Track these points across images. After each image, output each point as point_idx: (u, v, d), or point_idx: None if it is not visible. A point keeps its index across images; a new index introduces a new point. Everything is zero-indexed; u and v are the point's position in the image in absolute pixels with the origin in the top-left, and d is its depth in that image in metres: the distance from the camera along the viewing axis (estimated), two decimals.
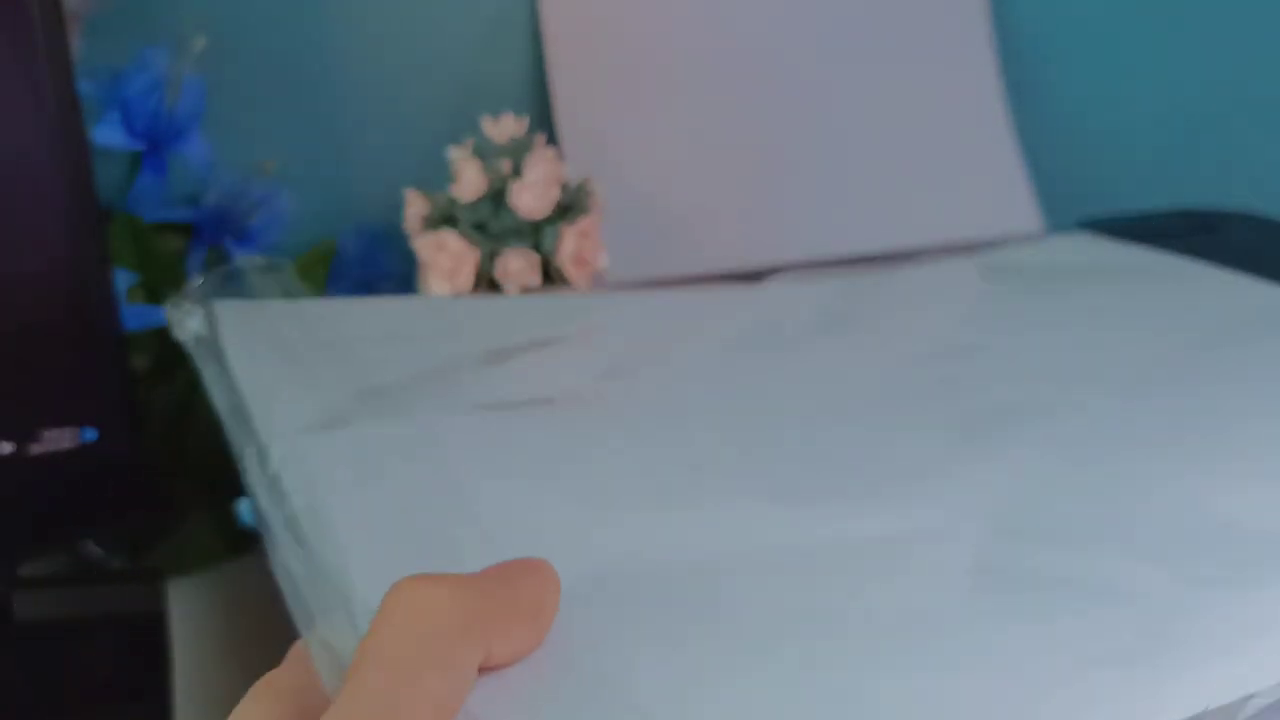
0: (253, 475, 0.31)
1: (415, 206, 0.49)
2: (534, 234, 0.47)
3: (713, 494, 0.31)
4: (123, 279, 0.48)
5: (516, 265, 0.47)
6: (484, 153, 0.48)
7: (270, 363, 0.36)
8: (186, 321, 0.38)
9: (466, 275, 0.47)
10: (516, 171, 0.48)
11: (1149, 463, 0.33)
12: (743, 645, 0.25)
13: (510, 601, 0.23)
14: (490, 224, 0.47)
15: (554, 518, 0.29)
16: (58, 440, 0.41)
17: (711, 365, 0.39)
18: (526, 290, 0.47)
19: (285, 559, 0.27)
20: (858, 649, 0.25)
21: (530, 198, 0.47)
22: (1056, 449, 0.33)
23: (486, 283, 0.48)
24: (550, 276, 0.48)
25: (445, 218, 0.48)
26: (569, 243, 0.47)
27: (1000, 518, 0.30)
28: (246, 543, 0.48)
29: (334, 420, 0.32)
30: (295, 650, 0.25)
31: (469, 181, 0.48)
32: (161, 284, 0.52)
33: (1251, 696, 0.24)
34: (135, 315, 0.49)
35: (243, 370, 0.35)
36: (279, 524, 0.28)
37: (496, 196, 0.48)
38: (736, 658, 0.24)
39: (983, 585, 0.27)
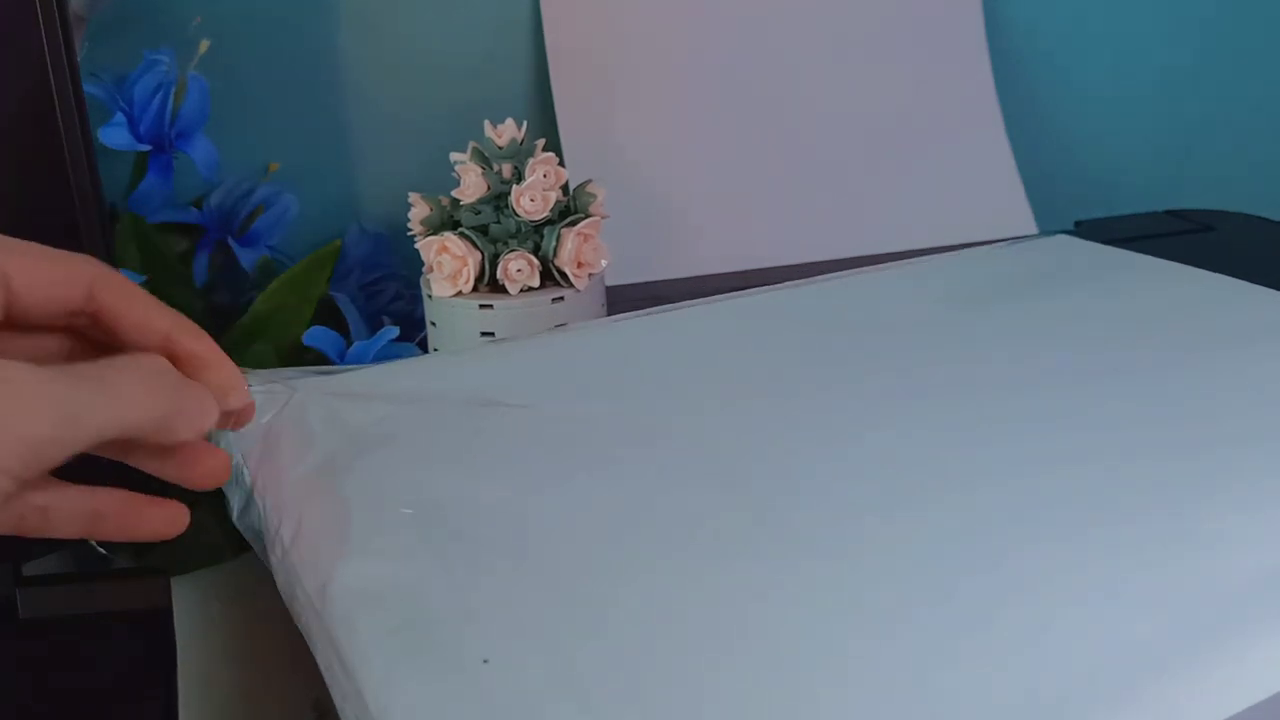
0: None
1: (418, 209, 0.49)
2: (535, 236, 0.48)
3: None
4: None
5: (518, 267, 0.47)
6: (486, 157, 0.49)
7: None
8: None
9: (468, 277, 0.47)
10: (518, 175, 0.48)
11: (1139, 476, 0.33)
12: None
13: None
14: (492, 227, 0.48)
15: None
16: None
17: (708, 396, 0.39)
18: (527, 291, 0.48)
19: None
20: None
21: (531, 201, 0.47)
22: (1057, 459, 0.34)
23: (488, 284, 0.48)
24: (552, 278, 0.48)
25: (448, 220, 0.49)
26: (569, 245, 0.47)
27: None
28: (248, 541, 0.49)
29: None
30: None
31: (471, 185, 0.48)
32: (167, 285, 0.53)
33: None
34: None
35: None
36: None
37: (498, 199, 0.48)
38: None
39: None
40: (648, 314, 0.45)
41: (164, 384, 0.27)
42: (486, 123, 0.49)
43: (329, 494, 0.33)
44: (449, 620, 0.27)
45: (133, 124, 0.52)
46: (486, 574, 0.29)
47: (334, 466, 0.34)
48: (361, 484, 0.33)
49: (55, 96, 0.39)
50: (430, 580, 0.28)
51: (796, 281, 0.48)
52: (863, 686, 0.25)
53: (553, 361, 0.41)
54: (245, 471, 0.35)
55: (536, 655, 0.26)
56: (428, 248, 0.48)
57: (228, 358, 0.30)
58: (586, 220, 0.48)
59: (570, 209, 0.49)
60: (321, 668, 0.27)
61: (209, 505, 0.49)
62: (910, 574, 0.28)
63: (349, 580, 0.29)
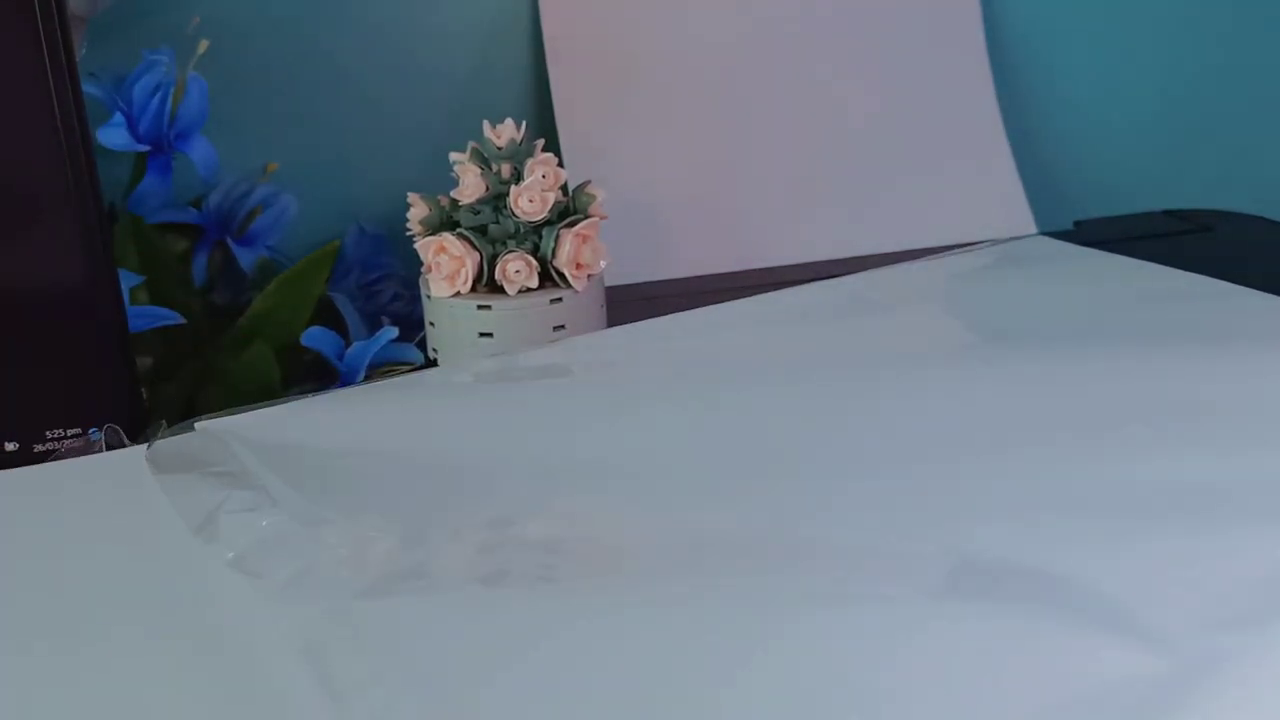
0: None
1: (417, 209, 0.49)
2: (534, 237, 0.48)
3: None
4: (127, 280, 0.49)
5: (516, 268, 0.47)
6: (485, 157, 0.49)
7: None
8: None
9: (467, 277, 0.47)
10: (517, 176, 0.48)
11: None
12: None
13: None
14: (491, 227, 0.48)
15: None
16: (62, 440, 0.41)
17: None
18: (525, 292, 0.48)
19: None
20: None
21: (529, 201, 0.47)
22: (1048, 460, 0.34)
23: (487, 285, 0.48)
24: (550, 279, 0.48)
25: (446, 221, 0.49)
26: (568, 246, 0.47)
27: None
28: None
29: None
30: None
31: (469, 185, 0.48)
32: (166, 285, 0.53)
33: None
34: (140, 316, 0.49)
35: None
36: None
37: (497, 200, 0.48)
38: None
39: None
40: (646, 323, 0.45)
41: None
42: (485, 123, 0.49)
43: None
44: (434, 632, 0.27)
45: (131, 124, 0.52)
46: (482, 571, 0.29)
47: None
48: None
49: (54, 97, 0.39)
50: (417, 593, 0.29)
51: (767, 293, 0.49)
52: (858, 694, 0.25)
53: (551, 368, 0.41)
54: None
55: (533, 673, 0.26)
56: (426, 248, 0.48)
57: None
58: (585, 221, 0.48)
59: (569, 210, 0.49)
60: None
61: None
62: (907, 576, 0.28)
63: None
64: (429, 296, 0.49)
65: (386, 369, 0.52)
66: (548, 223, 0.48)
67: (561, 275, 0.48)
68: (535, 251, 0.48)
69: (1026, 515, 0.31)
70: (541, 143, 0.50)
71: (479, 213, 0.48)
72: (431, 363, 0.50)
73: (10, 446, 0.41)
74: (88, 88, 0.50)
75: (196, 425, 0.38)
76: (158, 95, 0.52)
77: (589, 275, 0.48)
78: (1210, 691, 0.24)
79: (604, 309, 0.50)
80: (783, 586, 0.28)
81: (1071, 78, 0.74)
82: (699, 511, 0.32)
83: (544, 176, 0.48)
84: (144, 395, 0.47)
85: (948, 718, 0.24)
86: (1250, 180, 0.78)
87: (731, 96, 0.64)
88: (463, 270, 0.47)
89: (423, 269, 0.49)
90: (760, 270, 0.61)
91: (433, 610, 0.28)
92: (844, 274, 0.50)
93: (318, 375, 0.53)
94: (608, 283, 0.51)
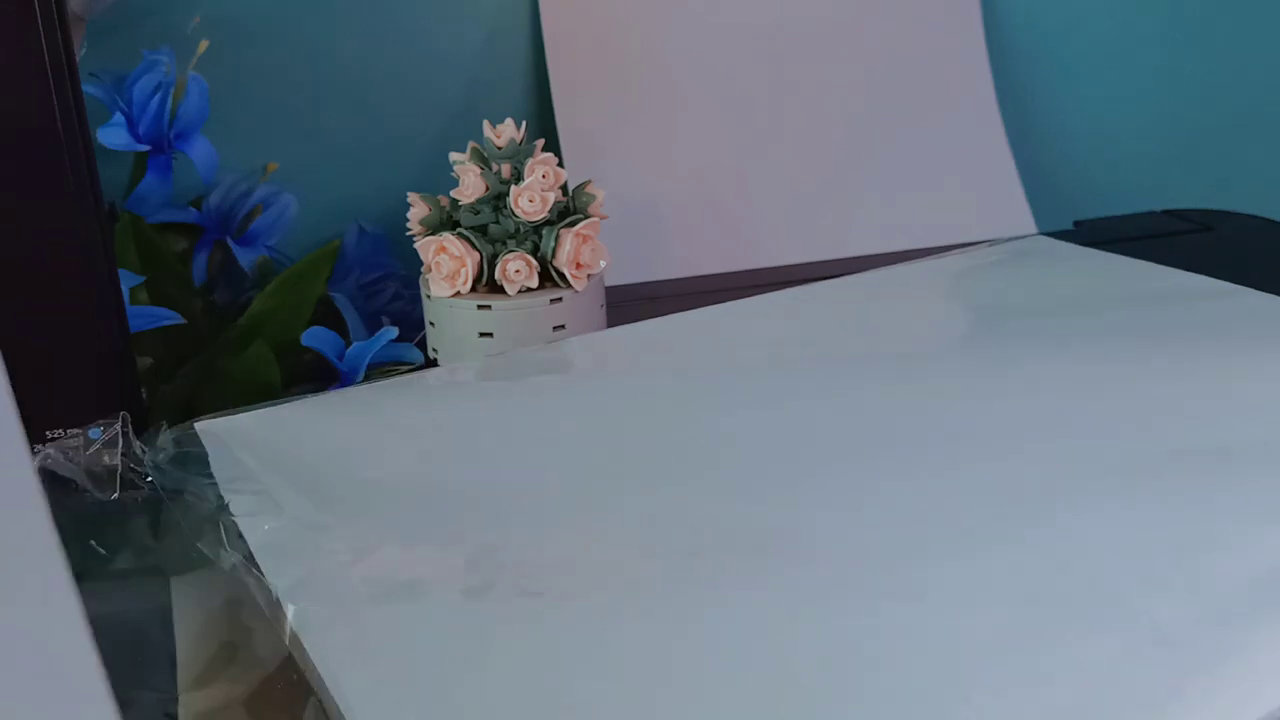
0: None
1: (417, 209, 0.49)
2: (534, 237, 0.48)
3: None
4: (127, 280, 0.49)
5: (516, 268, 0.47)
6: (485, 157, 0.49)
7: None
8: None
9: (467, 277, 0.47)
10: (517, 176, 0.48)
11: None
12: None
13: None
14: (491, 227, 0.48)
15: None
16: (62, 440, 0.41)
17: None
18: (525, 292, 0.48)
19: None
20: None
21: (529, 201, 0.47)
22: (1047, 462, 0.34)
23: (487, 284, 0.48)
24: (551, 279, 0.48)
25: (447, 220, 0.49)
26: (568, 246, 0.47)
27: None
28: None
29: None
30: None
31: (470, 185, 0.48)
32: (166, 285, 0.53)
33: None
34: (140, 316, 0.49)
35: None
36: None
37: (497, 200, 0.48)
38: None
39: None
40: (646, 323, 0.45)
41: None
42: (485, 123, 0.49)
43: None
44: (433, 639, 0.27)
45: (132, 124, 0.52)
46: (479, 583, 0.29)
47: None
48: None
49: (54, 97, 0.39)
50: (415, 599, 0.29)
51: (767, 293, 0.48)
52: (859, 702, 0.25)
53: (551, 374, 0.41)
54: None
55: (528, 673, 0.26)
56: (426, 248, 0.48)
57: None
58: (585, 221, 0.48)
59: (569, 210, 0.49)
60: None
61: None
62: (905, 572, 0.28)
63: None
64: (429, 296, 0.49)
65: (386, 369, 0.52)
66: (548, 223, 0.48)
67: (561, 275, 0.48)
68: (535, 251, 0.48)
69: (1027, 511, 0.31)
70: (541, 143, 0.50)
71: (479, 213, 0.48)
72: (432, 363, 0.50)
73: None
74: (88, 88, 0.50)
75: (196, 426, 0.38)
76: (158, 95, 0.52)
77: (589, 275, 0.48)
78: (1208, 687, 0.24)
79: (604, 309, 0.50)
80: (779, 592, 0.28)
81: (1071, 78, 0.74)
82: (697, 514, 0.32)
83: (544, 176, 0.48)
84: (144, 395, 0.47)
85: (949, 712, 0.24)
86: (1250, 180, 0.78)
87: (732, 96, 0.64)
88: (463, 270, 0.47)
89: (423, 269, 0.49)
90: (760, 270, 0.61)
91: (433, 618, 0.28)
92: (843, 274, 0.50)
93: (318, 375, 0.53)
94: (608, 283, 0.51)
